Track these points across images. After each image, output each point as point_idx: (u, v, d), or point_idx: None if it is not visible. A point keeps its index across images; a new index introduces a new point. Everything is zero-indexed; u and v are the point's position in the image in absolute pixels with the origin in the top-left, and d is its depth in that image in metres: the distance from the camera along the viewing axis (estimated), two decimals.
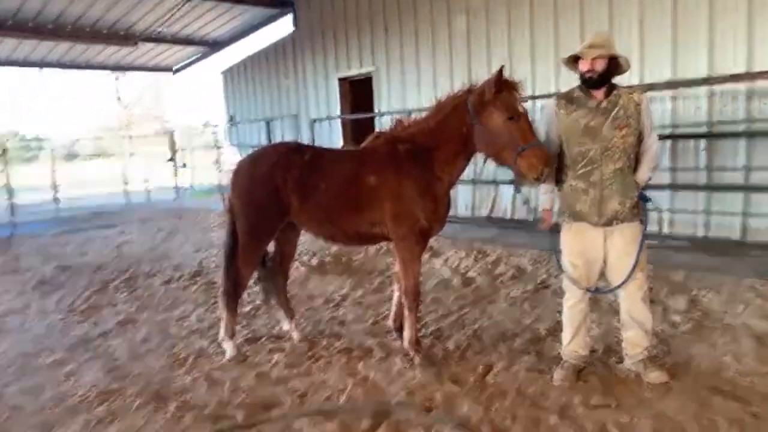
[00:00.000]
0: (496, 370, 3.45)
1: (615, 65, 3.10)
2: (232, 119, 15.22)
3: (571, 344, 3.33)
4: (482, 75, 3.48)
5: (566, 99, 3.23)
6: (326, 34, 11.64)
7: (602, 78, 3.07)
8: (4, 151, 11.63)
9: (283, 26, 13.01)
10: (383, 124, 9.71)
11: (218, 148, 11.42)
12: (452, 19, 9.07)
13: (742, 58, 5.95)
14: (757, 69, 5.79)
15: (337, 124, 11.65)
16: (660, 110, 6.41)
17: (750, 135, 5.92)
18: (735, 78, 5.71)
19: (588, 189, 3.14)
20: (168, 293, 5.65)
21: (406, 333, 3.67)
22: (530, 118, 3.27)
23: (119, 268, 6.74)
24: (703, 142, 6.29)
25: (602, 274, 3.32)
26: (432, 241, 4.02)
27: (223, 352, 3.89)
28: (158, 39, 13.85)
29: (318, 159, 3.77)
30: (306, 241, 5.85)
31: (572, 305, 3.32)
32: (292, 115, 10.14)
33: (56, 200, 12.47)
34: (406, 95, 9.98)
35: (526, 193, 3.85)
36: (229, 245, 3.92)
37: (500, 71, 3.20)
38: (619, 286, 3.21)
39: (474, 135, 3.34)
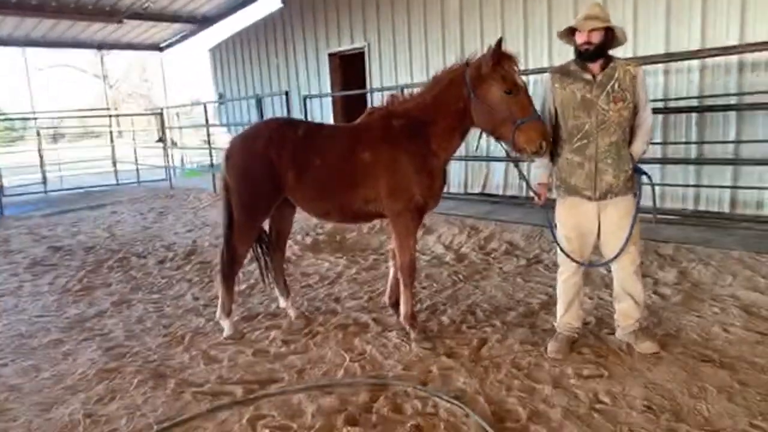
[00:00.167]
0: (490, 344, 3.50)
1: (611, 37, 3.08)
2: (221, 97, 15.00)
3: (565, 317, 3.39)
4: (475, 50, 3.43)
5: (561, 73, 3.21)
6: (316, 8, 11.43)
7: (599, 50, 3.05)
8: None
9: (272, 1, 12.79)
10: (375, 100, 9.62)
11: (208, 126, 11.27)
12: None
13: (735, 31, 5.94)
14: (749, 41, 5.78)
15: (328, 101, 11.54)
16: (653, 84, 6.41)
17: (740, 109, 5.95)
18: (726, 50, 5.69)
19: (583, 162, 3.15)
20: (162, 273, 5.64)
21: (402, 308, 3.70)
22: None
23: (112, 249, 6.72)
24: (694, 116, 6.31)
25: (596, 247, 3.36)
26: (425, 218, 4.02)
27: (221, 330, 3.92)
28: (145, 15, 13.53)
29: (312, 134, 3.73)
30: (300, 219, 5.85)
31: (566, 279, 3.37)
32: (283, 92, 10.05)
33: (44, 181, 12.31)
34: (398, 71, 9.88)
35: (522, 169, 3.84)
36: (225, 224, 3.91)
37: (498, 43, 3.15)
38: (612, 260, 3.25)
39: (471, 109, 3.31)
